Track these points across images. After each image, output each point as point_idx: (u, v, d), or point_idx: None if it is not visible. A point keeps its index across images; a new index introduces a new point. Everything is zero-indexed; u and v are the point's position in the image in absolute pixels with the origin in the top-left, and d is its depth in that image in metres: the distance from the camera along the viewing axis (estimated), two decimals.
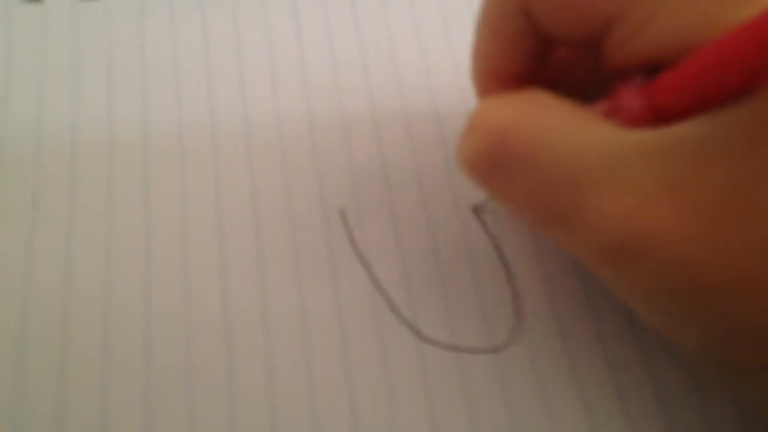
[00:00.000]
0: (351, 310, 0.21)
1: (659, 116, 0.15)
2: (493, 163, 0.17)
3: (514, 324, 0.21)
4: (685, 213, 0.14)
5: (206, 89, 0.24)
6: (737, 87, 0.14)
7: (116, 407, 0.19)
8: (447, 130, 0.24)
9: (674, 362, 0.21)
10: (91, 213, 0.22)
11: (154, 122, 0.24)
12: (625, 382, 0.20)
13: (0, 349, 0.20)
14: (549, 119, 0.16)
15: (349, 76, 0.25)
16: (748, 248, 0.14)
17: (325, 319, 0.21)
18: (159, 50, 0.25)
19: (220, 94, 0.24)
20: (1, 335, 0.20)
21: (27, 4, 0.25)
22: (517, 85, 0.18)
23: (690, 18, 0.15)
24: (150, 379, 0.20)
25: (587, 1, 0.16)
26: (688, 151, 0.14)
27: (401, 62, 0.26)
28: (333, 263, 0.22)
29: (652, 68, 0.16)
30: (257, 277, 0.21)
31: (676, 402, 0.20)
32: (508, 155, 0.16)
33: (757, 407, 0.17)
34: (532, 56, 0.18)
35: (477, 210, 0.22)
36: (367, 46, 0.26)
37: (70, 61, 0.24)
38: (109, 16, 0.25)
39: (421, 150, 0.24)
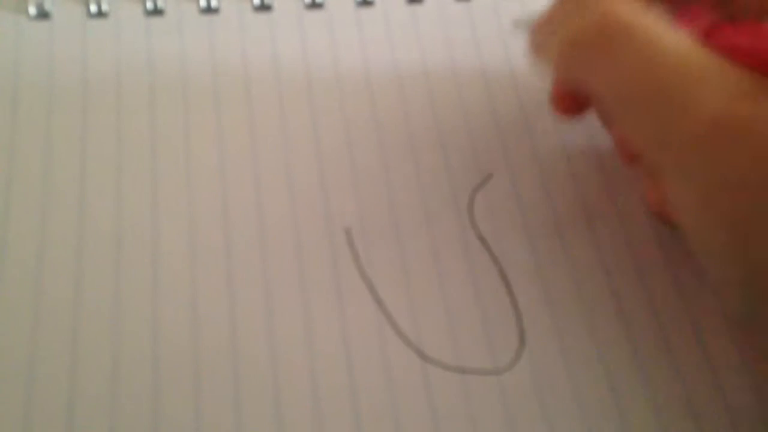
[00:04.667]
0: (356, 331, 0.21)
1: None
2: (611, 35, 0.18)
3: (518, 346, 0.21)
4: None
5: (213, 106, 0.25)
6: None
7: (124, 427, 0.19)
8: (451, 152, 0.25)
9: (673, 382, 0.21)
10: (99, 232, 0.22)
11: (162, 137, 0.24)
12: (627, 404, 0.21)
13: (11, 363, 0.20)
14: (660, 19, 0.17)
15: (354, 97, 0.25)
16: None
17: (330, 339, 0.21)
18: (167, 67, 0.25)
19: (227, 112, 0.25)
20: (11, 352, 0.20)
21: (36, 21, 0.25)
22: None
23: None
24: (158, 401, 0.20)
25: None
26: None
27: (406, 84, 0.26)
28: (338, 284, 0.22)
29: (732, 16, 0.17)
30: (263, 297, 0.21)
31: (675, 423, 0.21)
32: (630, 29, 0.17)
33: None
34: None
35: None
36: (372, 68, 0.26)
37: (78, 77, 0.25)
38: (117, 33, 0.26)
39: (426, 170, 0.24)
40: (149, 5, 0.26)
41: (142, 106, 0.24)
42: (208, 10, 0.26)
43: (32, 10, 0.26)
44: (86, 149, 0.23)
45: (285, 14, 0.27)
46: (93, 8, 0.26)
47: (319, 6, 0.27)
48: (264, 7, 0.27)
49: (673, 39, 0.17)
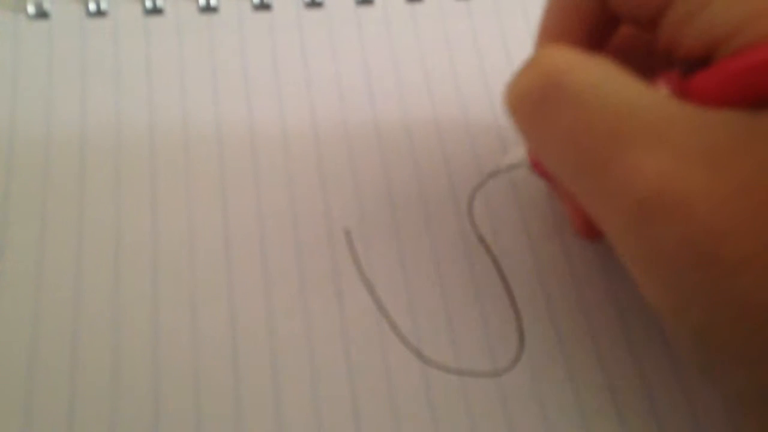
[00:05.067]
0: (356, 332, 0.21)
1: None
2: (545, 97, 0.17)
3: (517, 348, 0.21)
4: (717, 184, 0.14)
5: (212, 107, 0.25)
6: None
7: (125, 428, 0.19)
8: (451, 152, 0.24)
9: (673, 385, 0.21)
10: (99, 231, 0.22)
11: (161, 139, 0.24)
12: (626, 405, 0.21)
13: (11, 370, 0.20)
14: (606, 70, 0.17)
15: (354, 96, 0.25)
16: None
17: (330, 341, 0.21)
18: (165, 67, 0.25)
19: (227, 111, 0.25)
20: (12, 354, 0.20)
21: (34, 20, 0.25)
22: None
23: (746, 8, 0.15)
24: (158, 400, 0.20)
25: None
26: (731, 130, 0.15)
27: (405, 84, 0.26)
28: (338, 285, 0.22)
29: (694, 63, 0.16)
30: (263, 297, 0.21)
31: (674, 425, 0.21)
32: (562, 91, 0.17)
33: (738, 402, 0.17)
34: (596, 32, 0.19)
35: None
36: (372, 68, 0.26)
37: (77, 77, 0.25)
38: (116, 32, 0.26)
39: (426, 172, 0.24)
40: (148, 4, 0.26)
41: (142, 105, 0.24)
42: (207, 9, 0.26)
43: (31, 9, 0.25)
44: (85, 149, 0.23)
45: (284, 13, 0.27)
46: (92, 7, 0.26)
47: (319, 5, 0.27)
48: (263, 6, 0.27)
49: (619, 97, 0.16)
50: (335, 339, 0.21)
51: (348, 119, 0.25)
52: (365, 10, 0.27)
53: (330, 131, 0.25)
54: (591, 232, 0.22)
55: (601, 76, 0.16)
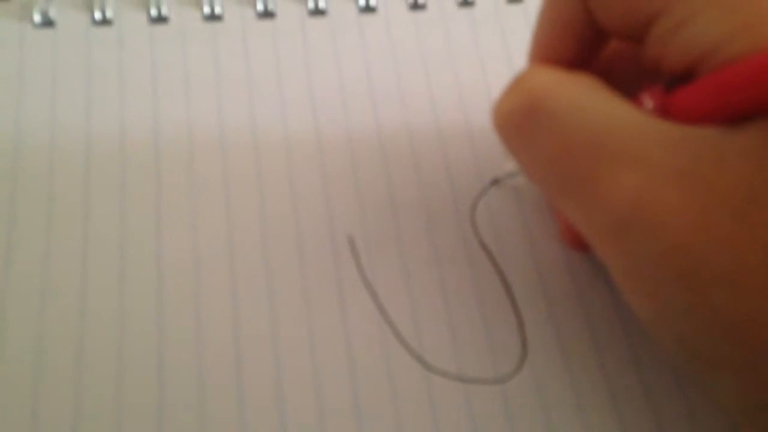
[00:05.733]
0: (358, 339, 0.21)
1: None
2: (525, 119, 0.18)
3: (520, 355, 0.21)
4: (691, 201, 0.15)
5: (216, 114, 0.25)
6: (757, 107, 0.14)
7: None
8: (453, 159, 0.25)
9: (675, 392, 0.21)
10: (103, 239, 0.22)
11: (165, 146, 0.24)
12: (628, 414, 0.21)
13: (17, 373, 0.20)
14: (585, 90, 0.17)
15: (357, 104, 0.25)
16: (746, 245, 0.14)
17: (333, 348, 0.21)
18: (170, 75, 0.25)
19: (230, 119, 0.25)
20: (17, 360, 0.20)
21: (40, 29, 0.26)
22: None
23: (729, 23, 0.15)
24: (162, 407, 0.20)
25: None
26: (707, 147, 0.15)
27: (408, 91, 0.26)
28: (341, 292, 0.22)
29: (678, 78, 0.16)
30: (266, 304, 0.22)
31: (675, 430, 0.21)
32: (541, 113, 0.17)
33: (723, 406, 0.18)
34: (585, 46, 0.19)
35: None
36: (375, 75, 0.26)
37: (82, 86, 0.25)
38: (121, 41, 0.26)
39: (429, 178, 0.24)
40: (153, 13, 0.26)
41: (146, 112, 0.24)
42: (212, 17, 0.27)
43: (37, 17, 0.26)
44: (90, 156, 0.23)
45: (288, 21, 0.27)
46: (97, 16, 0.26)
47: (322, 13, 0.27)
48: (267, 14, 0.27)
49: (596, 116, 0.16)
50: (338, 345, 0.21)
51: (351, 126, 0.25)
52: (368, 18, 0.27)
53: (333, 138, 0.25)
54: (579, 244, 0.22)
55: (580, 96, 0.17)
